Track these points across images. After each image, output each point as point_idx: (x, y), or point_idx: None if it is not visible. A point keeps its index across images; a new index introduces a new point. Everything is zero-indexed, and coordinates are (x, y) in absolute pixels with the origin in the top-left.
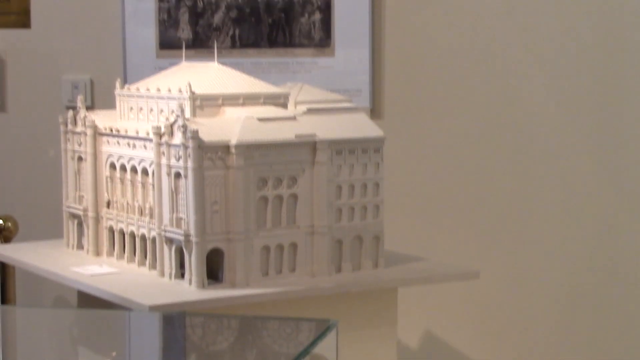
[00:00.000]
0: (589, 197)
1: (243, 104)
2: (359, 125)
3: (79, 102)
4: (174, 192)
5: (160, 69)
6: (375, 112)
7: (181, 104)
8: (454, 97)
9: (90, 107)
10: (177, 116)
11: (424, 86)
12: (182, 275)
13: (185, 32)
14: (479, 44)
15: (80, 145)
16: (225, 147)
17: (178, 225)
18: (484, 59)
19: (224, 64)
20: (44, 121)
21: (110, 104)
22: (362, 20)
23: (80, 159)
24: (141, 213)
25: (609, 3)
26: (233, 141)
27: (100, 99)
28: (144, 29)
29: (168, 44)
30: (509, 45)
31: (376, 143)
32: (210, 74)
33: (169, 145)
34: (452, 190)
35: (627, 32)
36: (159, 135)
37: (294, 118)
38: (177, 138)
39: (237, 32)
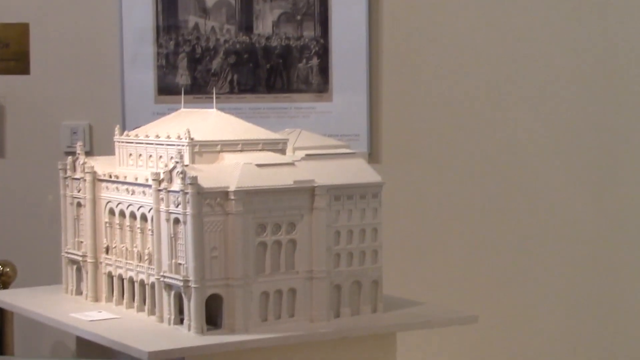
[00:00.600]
0: (588, 241)
1: (242, 150)
2: (357, 171)
3: (78, 148)
4: (173, 238)
5: (159, 114)
6: (373, 156)
7: (180, 151)
8: (451, 141)
9: (88, 152)
10: (176, 162)
11: (421, 130)
12: (181, 321)
13: (183, 77)
14: (476, 90)
15: (79, 191)
16: (224, 193)
17: (177, 271)
18: (482, 104)
19: (222, 109)
20: (42, 166)
21: (108, 149)
22: (360, 65)
23: (79, 204)
24: (140, 259)
25: (605, 43)
26: (232, 187)
27: (99, 144)
28: (142, 74)
29: (166, 90)
30: (507, 92)
31: (374, 188)
32: (209, 121)
33: (168, 191)
34: (450, 234)
35: (625, 74)
36: (158, 181)
37: (292, 164)
38: (176, 184)
39: (235, 77)
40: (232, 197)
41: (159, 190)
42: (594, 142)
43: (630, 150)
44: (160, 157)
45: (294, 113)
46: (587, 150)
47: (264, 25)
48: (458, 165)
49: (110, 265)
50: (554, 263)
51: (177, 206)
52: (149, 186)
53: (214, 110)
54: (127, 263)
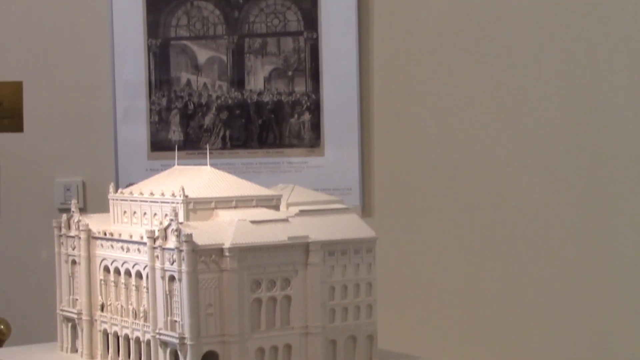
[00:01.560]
0: (582, 288)
1: (236, 207)
2: (350, 226)
3: (73, 206)
4: (168, 295)
5: (152, 170)
6: (365, 210)
7: (175, 208)
8: (443, 194)
9: (82, 209)
10: (171, 220)
11: (413, 183)
12: None
13: (176, 133)
14: (468, 143)
15: (74, 248)
16: (219, 250)
17: (172, 328)
18: (474, 157)
19: (215, 164)
20: (36, 223)
21: (102, 205)
22: (351, 119)
23: (74, 262)
24: (135, 316)
25: (598, 92)
26: (227, 244)
27: (93, 200)
28: (135, 130)
29: (159, 146)
30: (500, 145)
31: (368, 243)
32: (202, 178)
33: (162, 249)
34: (444, 287)
35: (617, 123)
36: (153, 239)
37: (286, 220)
38: (171, 242)
39: (227, 133)
40: (227, 254)
41: (154, 247)
42: (588, 194)
43: (625, 206)
44: (155, 214)
45: (287, 168)
46: (581, 202)
47: (255, 81)
48: (450, 218)
49: (105, 322)
50: (549, 315)
51: (172, 263)
52: (144, 244)
53: (208, 167)
54: (122, 320)
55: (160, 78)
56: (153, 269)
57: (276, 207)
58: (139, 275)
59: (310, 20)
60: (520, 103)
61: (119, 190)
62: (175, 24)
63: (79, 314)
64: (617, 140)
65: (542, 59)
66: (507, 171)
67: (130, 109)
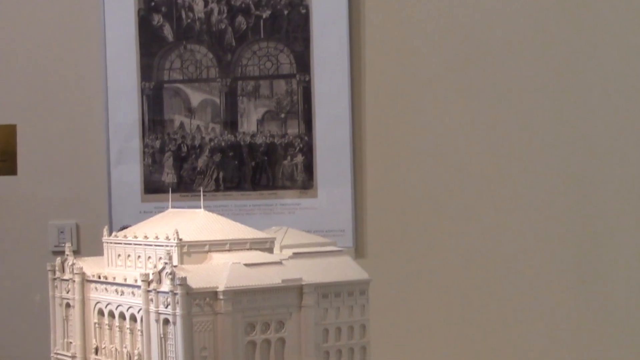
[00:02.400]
0: (574, 335)
1: (230, 250)
2: (344, 269)
3: (67, 249)
4: (163, 339)
5: (146, 212)
6: (358, 251)
7: (169, 251)
8: (436, 235)
9: (76, 251)
10: (165, 263)
11: (405, 224)
12: None
13: (169, 176)
14: (461, 184)
15: (68, 292)
16: (213, 293)
17: None
18: (467, 199)
19: (208, 206)
20: (30, 266)
21: (96, 248)
22: (344, 161)
23: (68, 305)
24: (130, 359)
25: (589, 141)
26: (221, 287)
27: (86, 243)
28: (129, 173)
29: (153, 188)
30: (492, 187)
31: (361, 286)
32: (196, 221)
33: (157, 292)
34: (438, 329)
35: (608, 168)
36: (147, 282)
37: (280, 263)
38: (166, 285)
39: (220, 175)
40: (221, 297)
41: (148, 291)
42: (580, 238)
43: (618, 250)
44: (149, 257)
45: (280, 209)
46: (572, 246)
47: (248, 124)
48: (443, 259)
49: None
50: (542, 352)
51: (166, 307)
52: (138, 287)
53: (202, 210)
54: None
55: (154, 121)
56: (147, 312)
57: (270, 250)
58: (133, 318)
59: (303, 63)
60: (513, 143)
61: (113, 234)
62: (168, 67)
63: (73, 357)
64: (608, 181)
65: (534, 104)
66: (500, 212)
67: (123, 151)
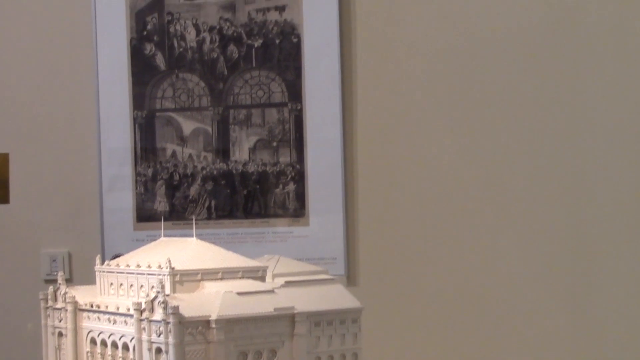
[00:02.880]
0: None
1: (222, 279)
2: (336, 297)
3: (59, 278)
4: None
5: (138, 240)
6: (350, 279)
7: (161, 280)
8: (429, 263)
9: (68, 280)
10: (158, 292)
11: (398, 252)
12: None
13: (162, 204)
14: (452, 212)
15: (60, 321)
16: (205, 322)
17: None
18: (458, 226)
19: (200, 235)
20: (22, 294)
21: (88, 276)
22: (336, 189)
23: (60, 334)
24: None
25: (578, 168)
26: (213, 316)
27: (79, 271)
28: (121, 201)
29: (145, 216)
30: (482, 214)
31: (353, 314)
32: (189, 249)
33: (149, 321)
34: (430, 356)
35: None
36: (140, 311)
37: (272, 291)
38: (158, 314)
39: (213, 203)
40: (214, 326)
41: (141, 319)
42: (572, 259)
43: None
44: (142, 286)
45: (272, 238)
46: (563, 274)
47: (240, 152)
48: (435, 287)
49: None
50: None
51: (159, 335)
52: (131, 316)
53: (194, 239)
54: None
55: (146, 149)
56: (140, 341)
57: (262, 279)
58: (125, 347)
59: (295, 91)
60: (506, 174)
61: (106, 262)
62: (160, 96)
63: None
64: (599, 192)
65: (525, 123)
66: (494, 241)
67: (116, 179)
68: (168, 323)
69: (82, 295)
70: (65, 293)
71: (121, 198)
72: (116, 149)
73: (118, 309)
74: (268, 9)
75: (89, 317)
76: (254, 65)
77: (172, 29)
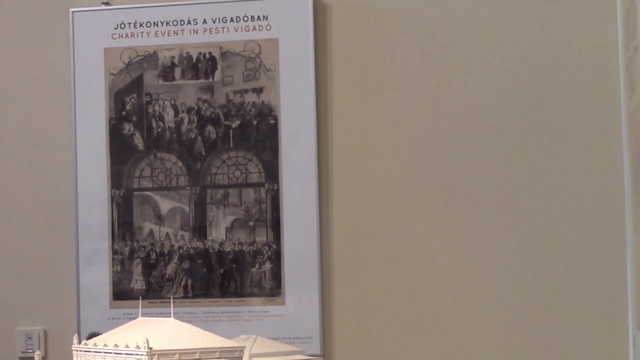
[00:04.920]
0: None
1: (200, 359)
2: None
3: (36, 356)
4: None
5: (114, 319)
6: (327, 359)
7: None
8: (406, 343)
9: (44, 358)
10: None
11: (374, 332)
12: None
13: (138, 282)
14: (431, 290)
15: None
16: None
17: None
18: (435, 306)
19: (177, 313)
20: None
21: (64, 354)
22: (312, 268)
23: None
24: None
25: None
26: None
27: (54, 349)
28: (97, 279)
29: (122, 295)
30: (458, 288)
31: None
32: (166, 329)
33: None
34: None
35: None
36: None
37: None
38: None
39: (189, 282)
40: None
41: None
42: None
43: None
44: None
45: (248, 317)
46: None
47: (217, 231)
48: None
49: None
50: None
51: None
52: None
53: (172, 319)
54: None
55: (123, 228)
56: None
57: (239, 359)
58: None
59: (271, 172)
60: (482, 260)
61: (83, 341)
62: (138, 175)
63: None
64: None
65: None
66: (465, 312)
67: (93, 255)
68: None
69: None
70: None
71: (98, 275)
72: (93, 225)
73: None
74: (246, 91)
75: None
76: (231, 145)
77: (150, 110)
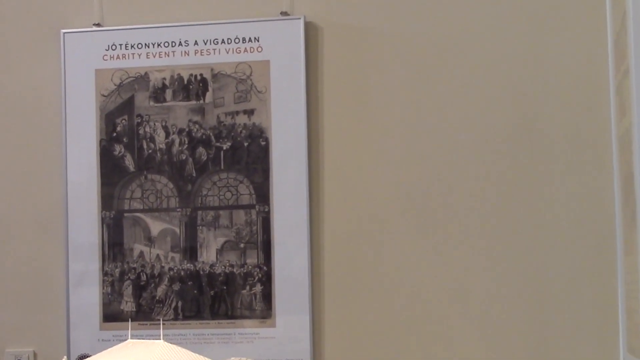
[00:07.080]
0: None
1: None
2: None
3: None
4: None
5: (104, 340)
6: None
7: None
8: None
9: None
10: None
11: (365, 355)
12: None
13: (128, 304)
14: (422, 314)
15: None
16: None
17: None
18: (427, 329)
19: (167, 335)
20: None
21: None
22: (302, 290)
23: None
24: None
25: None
26: None
27: None
28: (87, 301)
29: (111, 317)
30: (450, 313)
31: None
32: (156, 352)
33: None
34: None
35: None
36: None
37: None
38: None
39: (179, 304)
40: None
41: None
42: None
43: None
44: None
45: (238, 339)
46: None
47: (208, 253)
48: None
49: None
50: None
51: None
52: None
53: (161, 341)
54: None
55: (114, 249)
56: None
57: None
58: None
59: (262, 194)
60: (471, 284)
61: None
62: (129, 197)
63: None
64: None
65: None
66: (462, 336)
67: (83, 276)
68: None
69: None
70: None
71: (88, 297)
72: (83, 246)
73: None
74: (237, 113)
75: None
76: (222, 167)
77: (141, 131)
